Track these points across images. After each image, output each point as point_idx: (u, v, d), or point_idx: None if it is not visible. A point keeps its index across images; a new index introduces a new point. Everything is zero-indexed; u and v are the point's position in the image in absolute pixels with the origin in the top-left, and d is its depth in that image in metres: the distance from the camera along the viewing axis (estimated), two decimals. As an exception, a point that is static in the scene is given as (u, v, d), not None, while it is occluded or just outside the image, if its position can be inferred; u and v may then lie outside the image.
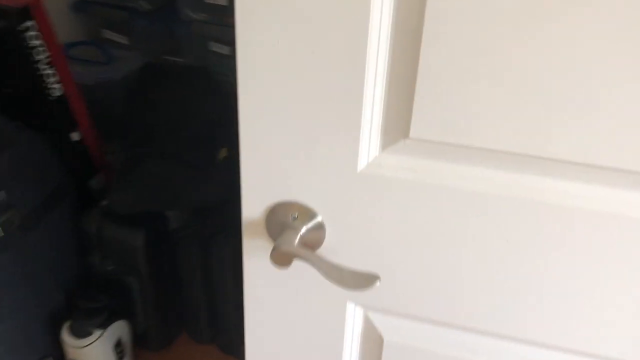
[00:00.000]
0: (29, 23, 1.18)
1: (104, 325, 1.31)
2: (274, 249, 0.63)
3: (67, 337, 1.32)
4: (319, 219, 0.67)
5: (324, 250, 0.68)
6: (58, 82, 1.26)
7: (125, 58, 1.76)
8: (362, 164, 0.62)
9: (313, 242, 0.68)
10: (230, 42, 1.72)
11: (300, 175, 0.65)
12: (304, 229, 0.66)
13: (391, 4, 0.54)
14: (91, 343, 1.30)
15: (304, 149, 0.63)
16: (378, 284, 0.60)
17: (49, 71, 1.22)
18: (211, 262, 1.40)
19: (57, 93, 1.26)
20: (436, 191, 0.61)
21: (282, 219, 0.67)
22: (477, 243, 0.62)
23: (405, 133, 0.60)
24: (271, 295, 0.74)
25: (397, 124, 0.60)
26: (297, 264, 0.67)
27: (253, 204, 0.68)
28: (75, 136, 1.33)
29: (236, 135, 1.58)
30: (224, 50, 1.74)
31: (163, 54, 1.86)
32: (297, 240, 0.65)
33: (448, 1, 0.51)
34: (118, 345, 1.37)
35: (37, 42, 1.19)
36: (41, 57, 1.21)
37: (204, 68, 1.76)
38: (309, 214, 0.67)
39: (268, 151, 0.64)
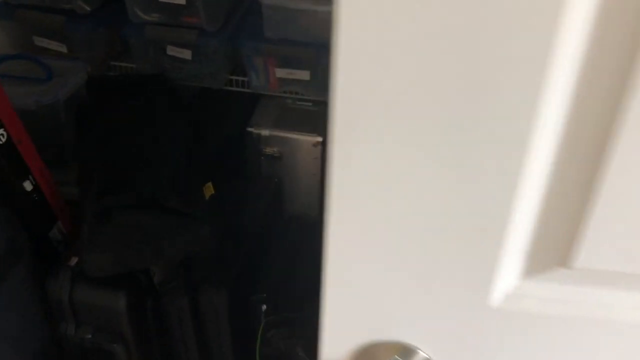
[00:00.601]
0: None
1: (89, 407, 1.12)
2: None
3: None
4: (426, 355, 0.51)
5: (432, 393, 0.53)
6: (1, 127, 1.02)
7: (68, 70, 1.50)
8: (496, 295, 0.46)
9: (418, 384, 0.52)
10: (191, 45, 1.49)
11: (407, 311, 0.48)
12: (410, 376, 0.50)
13: (572, 95, 0.37)
14: None
15: (415, 277, 0.46)
16: None
17: (-11, 117, 0.98)
18: (203, 315, 1.21)
19: (2, 140, 1.02)
20: (599, 325, 0.46)
21: (377, 363, 0.51)
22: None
23: (562, 260, 0.44)
24: None
25: (552, 249, 0.44)
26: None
27: (338, 344, 0.51)
28: (27, 185, 1.10)
29: (217, 163, 1.33)
30: (185, 54, 1.52)
31: (111, 61, 1.61)
32: (408, 397, 0.49)
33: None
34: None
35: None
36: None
37: (163, 77, 1.53)
38: (414, 353, 0.51)
39: (362, 281, 0.47)
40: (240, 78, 1.57)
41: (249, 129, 1.54)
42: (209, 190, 1.17)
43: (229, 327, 1.24)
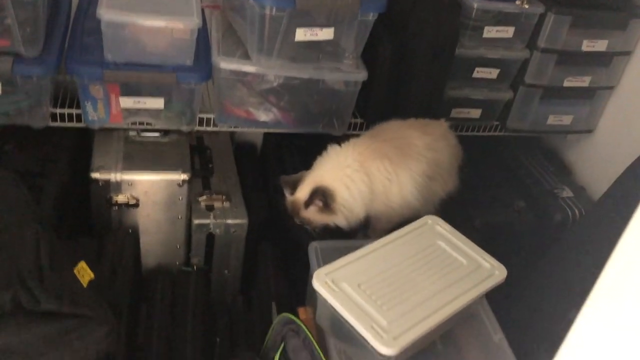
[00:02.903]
0: None
1: None
2: None
3: None
4: None
5: None
6: None
7: None
8: None
9: None
10: (3, 76, 1.14)
11: None
12: None
13: None
14: None
15: None
16: None
17: None
18: None
19: None
20: None
21: None
22: None
23: None
24: None
25: None
26: None
27: None
28: None
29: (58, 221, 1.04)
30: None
31: None
32: None
33: None
34: None
35: None
36: None
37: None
38: None
39: None
40: (70, 111, 1.25)
41: (94, 175, 1.24)
42: (84, 273, 0.88)
43: None
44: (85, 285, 0.87)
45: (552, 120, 1.54)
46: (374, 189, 1.17)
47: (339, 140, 1.21)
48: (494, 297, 1.11)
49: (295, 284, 1.33)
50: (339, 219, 1.17)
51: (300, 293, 1.21)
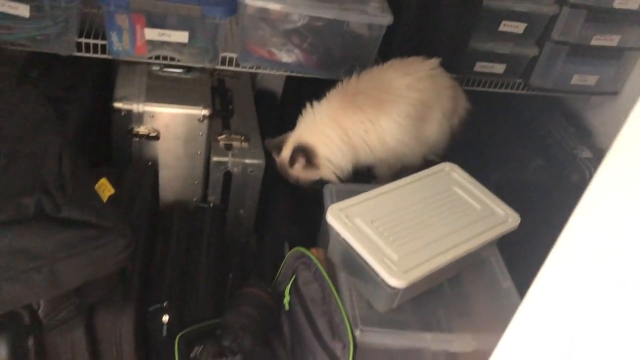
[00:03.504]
0: None
1: None
2: None
3: None
4: None
5: None
6: None
7: None
8: None
9: None
10: (29, -1, 1.15)
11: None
12: None
13: None
14: None
15: None
16: None
17: None
18: (102, 343, 0.97)
19: None
20: None
21: None
22: None
23: None
24: None
25: None
26: None
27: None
28: None
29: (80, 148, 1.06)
30: (20, 10, 1.16)
31: None
32: None
33: None
34: None
35: None
36: None
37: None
38: None
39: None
40: (95, 41, 1.26)
41: (116, 105, 1.26)
42: (104, 189, 0.90)
43: (134, 356, 1.01)
44: (105, 200, 0.89)
45: (576, 80, 1.52)
46: (354, 143, 1.17)
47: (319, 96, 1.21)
48: (507, 255, 1.11)
49: (308, 227, 1.35)
50: (326, 173, 1.18)
51: (313, 236, 1.23)
